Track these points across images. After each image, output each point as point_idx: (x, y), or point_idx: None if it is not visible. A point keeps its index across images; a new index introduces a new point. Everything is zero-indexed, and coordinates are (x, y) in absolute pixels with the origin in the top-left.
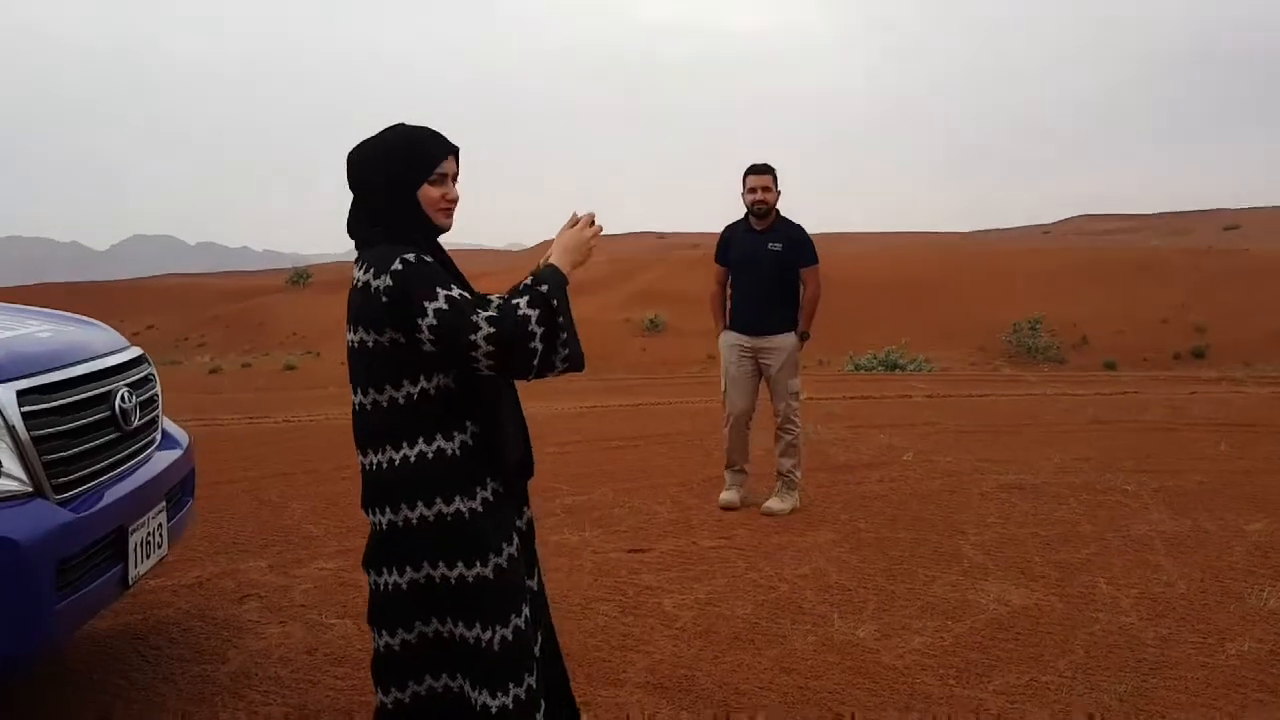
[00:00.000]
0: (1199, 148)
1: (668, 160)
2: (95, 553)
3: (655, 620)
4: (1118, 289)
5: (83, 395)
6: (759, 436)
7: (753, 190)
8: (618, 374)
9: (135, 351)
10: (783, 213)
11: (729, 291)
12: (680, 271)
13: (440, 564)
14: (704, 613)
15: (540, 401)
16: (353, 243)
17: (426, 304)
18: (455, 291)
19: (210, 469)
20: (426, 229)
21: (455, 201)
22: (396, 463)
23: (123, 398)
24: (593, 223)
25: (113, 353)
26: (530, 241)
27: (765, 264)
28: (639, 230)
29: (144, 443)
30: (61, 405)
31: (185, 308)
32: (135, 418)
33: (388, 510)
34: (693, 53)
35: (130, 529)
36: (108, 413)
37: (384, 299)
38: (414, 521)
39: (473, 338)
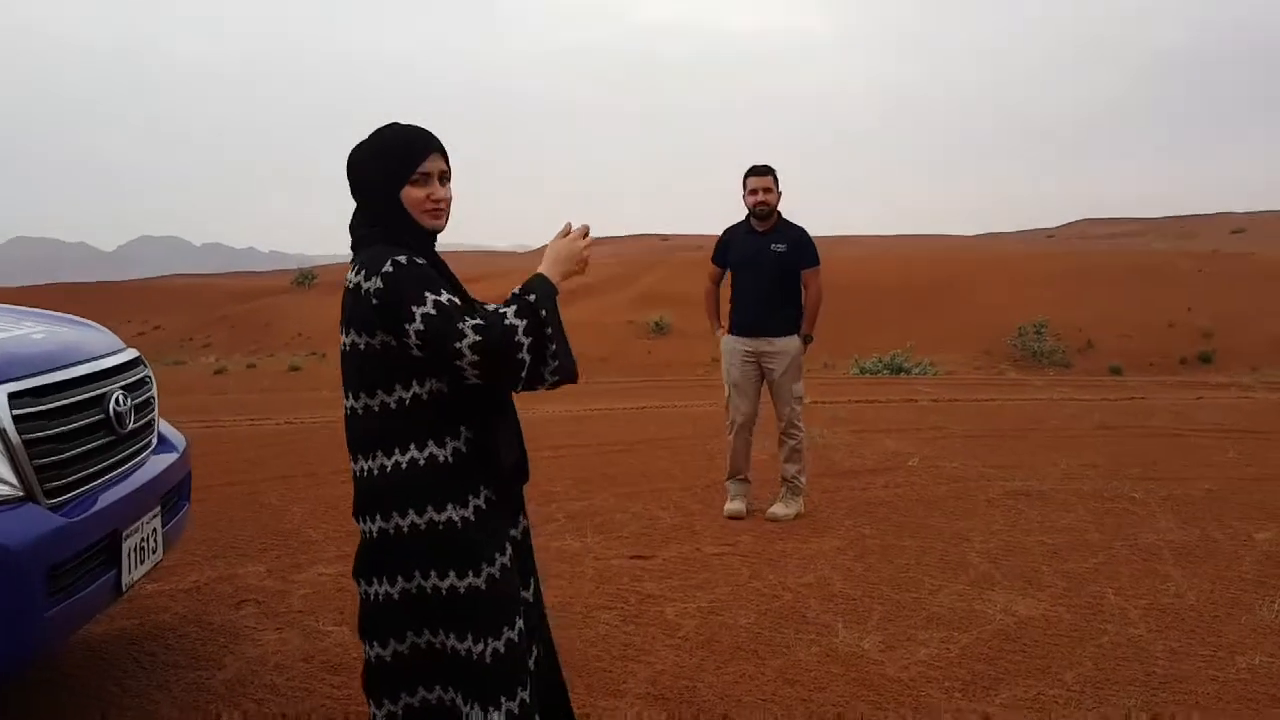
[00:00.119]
0: (1204, 151)
1: (670, 161)
2: (88, 558)
3: (657, 629)
4: (1123, 293)
5: (76, 398)
6: (760, 441)
7: (754, 192)
8: (622, 376)
9: (131, 353)
10: (784, 214)
11: (729, 294)
12: (684, 273)
13: (431, 574)
14: (706, 622)
15: (542, 405)
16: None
17: (414, 309)
18: (444, 297)
19: (211, 471)
20: (415, 231)
21: (442, 201)
22: (388, 469)
23: (118, 400)
24: (586, 234)
25: (108, 355)
26: (535, 243)
27: (769, 265)
28: (642, 232)
29: (139, 446)
30: (54, 408)
31: (192, 308)
32: (130, 421)
33: (378, 518)
34: (693, 53)
35: (124, 534)
36: (102, 416)
37: (374, 301)
38: (405, 530)
39: (458, 345)
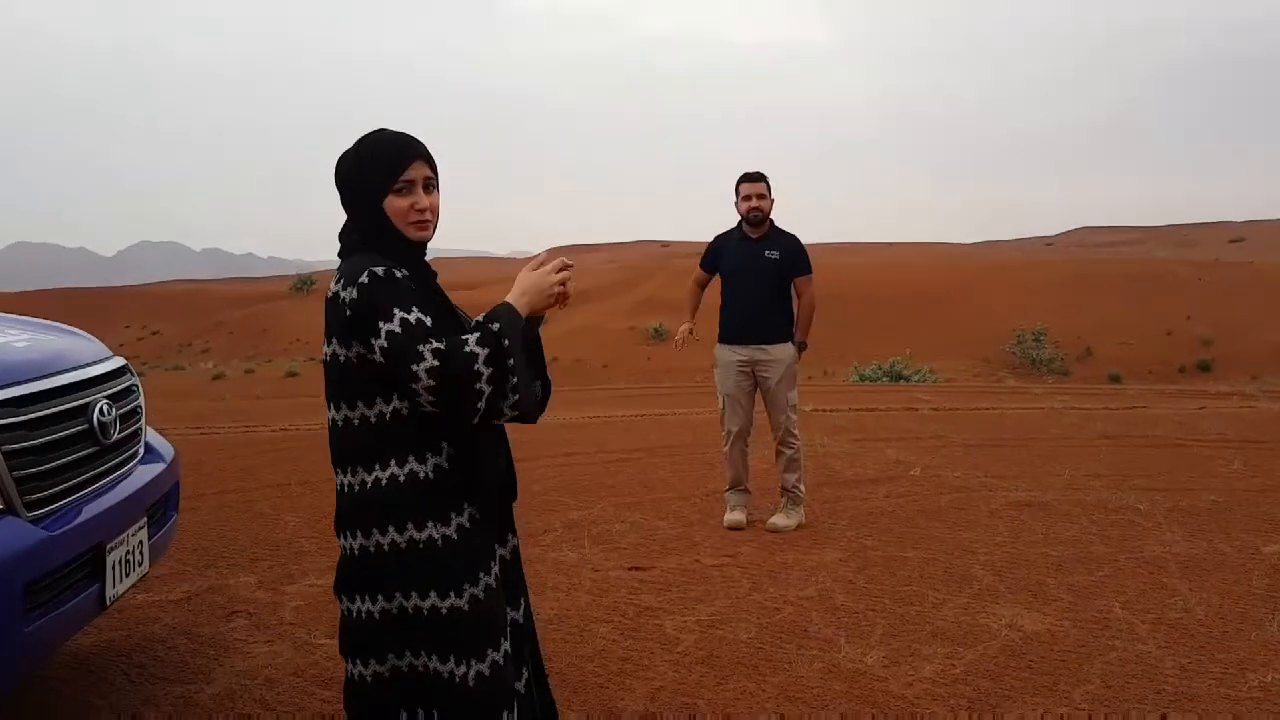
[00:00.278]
0: (1204, 160)
1: (670, 169)
2: (70, 572)
3: (655, 643)
4: (1122, 301)
5: (59, 408)
6: (757, 450)
7: (747, 198)
8: (621, 382)
9: (118, 362)
10: (777, 222)
11: (719, 302)
12: (683, 280)
13: (412, 594)
14: (706, 636)
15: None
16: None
17: (381, 324)
18: (414, 315)
19: (203, 479)
20: (400, 242)
21: (426, 211)
22: (368, 485)
23: (102, 410)
24: (564, 268)
25: (93, 363)
26: (533, 249)
27: (763, 272)
28: (642, 239)
29: (124, 456)
30: (35, 418)
31: (191, 313)
32: (115, 431)
33: (359, 534)
34: (693, 64)
35: (108, 546)
36: (85, 426)
37: (348, 312)
38: (385, 548)
39: (415, 368)
